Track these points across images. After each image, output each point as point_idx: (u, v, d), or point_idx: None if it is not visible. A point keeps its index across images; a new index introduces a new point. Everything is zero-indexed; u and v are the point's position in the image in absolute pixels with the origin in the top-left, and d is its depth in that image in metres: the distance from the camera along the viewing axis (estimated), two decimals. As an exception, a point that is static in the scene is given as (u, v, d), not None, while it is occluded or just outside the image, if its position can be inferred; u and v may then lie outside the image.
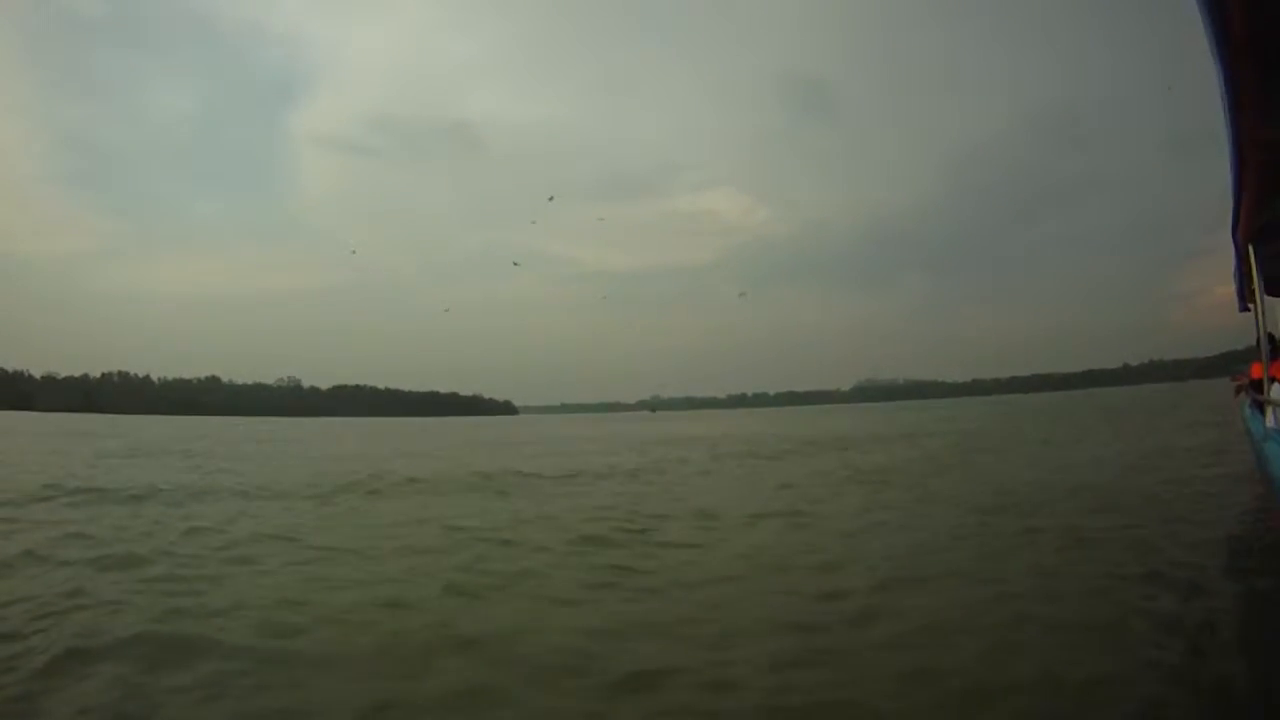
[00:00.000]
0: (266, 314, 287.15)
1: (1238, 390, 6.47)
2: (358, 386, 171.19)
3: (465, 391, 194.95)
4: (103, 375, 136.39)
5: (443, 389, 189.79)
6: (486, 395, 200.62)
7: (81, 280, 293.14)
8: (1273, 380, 4.86)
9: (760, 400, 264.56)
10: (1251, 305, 5.45)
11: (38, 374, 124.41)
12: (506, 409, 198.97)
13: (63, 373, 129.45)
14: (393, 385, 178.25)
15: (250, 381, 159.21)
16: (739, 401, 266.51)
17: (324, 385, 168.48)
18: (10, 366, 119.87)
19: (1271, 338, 5.19)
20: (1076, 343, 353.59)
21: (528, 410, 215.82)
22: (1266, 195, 3.34)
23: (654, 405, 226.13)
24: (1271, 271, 5.17)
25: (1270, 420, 4.38)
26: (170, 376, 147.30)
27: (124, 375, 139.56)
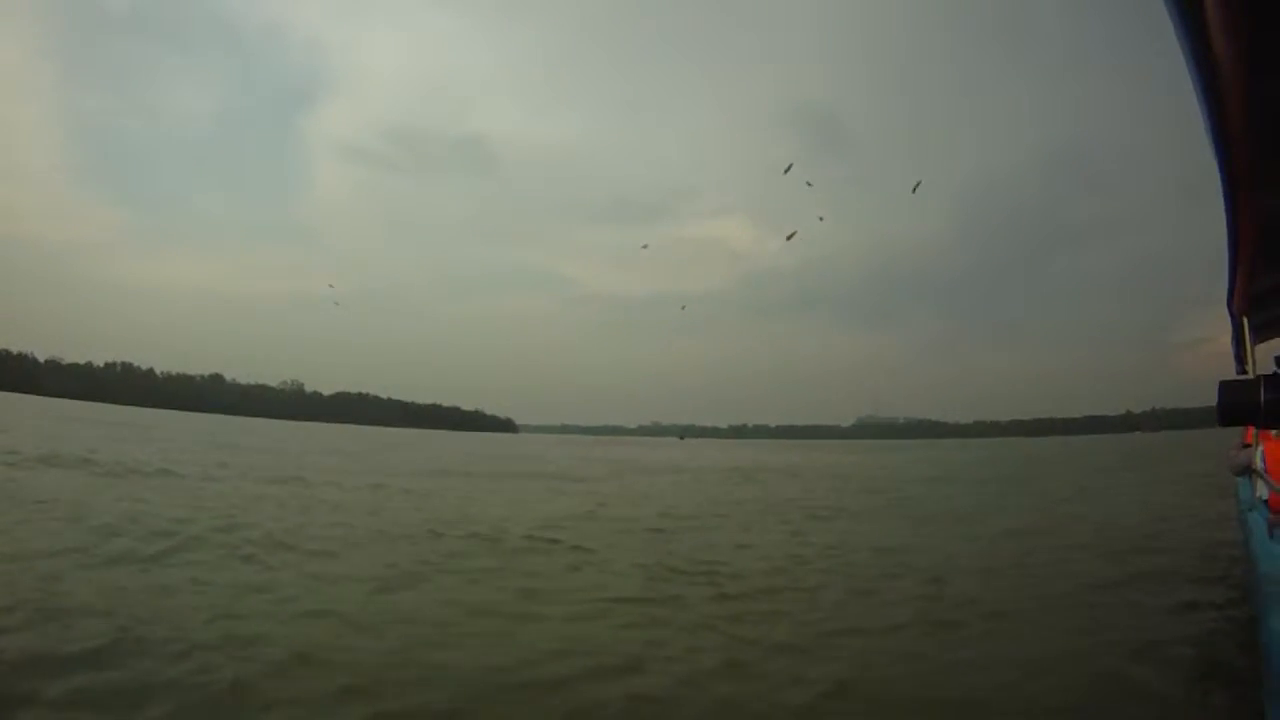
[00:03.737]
0: (272, 316, 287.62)
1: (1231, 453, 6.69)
2: (360, 394, 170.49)
3: (467, 406, 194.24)
4: (106, 365, 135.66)
5: (445, 402, 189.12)
6: (488, 411, 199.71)
7: (89, 269, 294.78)
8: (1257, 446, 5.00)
9: (760, 432, 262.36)
10: (1246, 371, 5.73)
11: (41, 357, 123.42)
12: (507, 426, 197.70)
13: (67, 358, 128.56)
14: (395, 395, 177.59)
15: (253, 382, 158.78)
16: (739, 432, 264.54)
17: (326, 391, 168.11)
18: (14, 349, 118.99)
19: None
20: (1079, 387, 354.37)
21: (527, 429, 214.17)
22: (1259, 270, 3.50)
23: (682, 432, 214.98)
24: (1262, 337, 5.55)
25: (1256, 490, 4.47)
26: (174, 371, 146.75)
27: (127, 366, 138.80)
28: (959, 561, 7.06)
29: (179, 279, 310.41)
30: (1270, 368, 5.21)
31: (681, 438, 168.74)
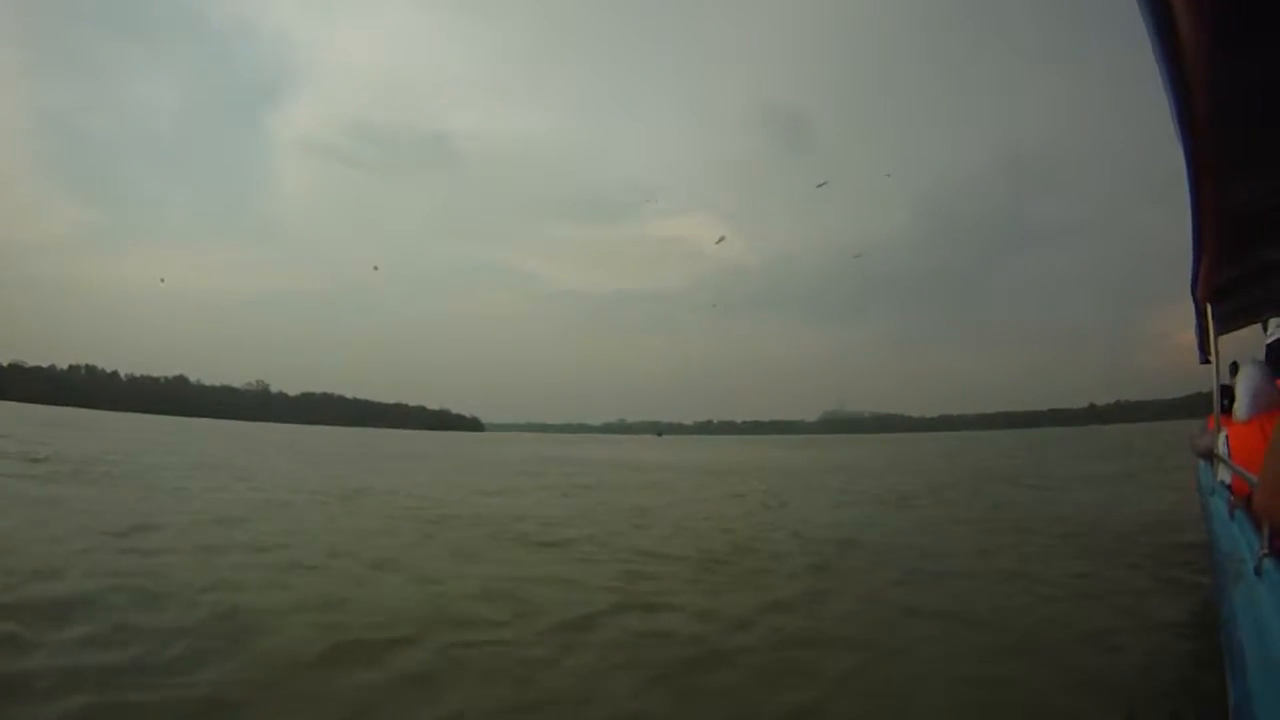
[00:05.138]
0: (237, 315, 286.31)
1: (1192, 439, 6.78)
2: (326, 395, 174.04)
3: (433, 405, 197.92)
4: (70, 367, 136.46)
5: (411, 401, 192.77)
6: (454, 410, 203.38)
7: (54, 267, 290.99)
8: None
9: (726, 429, 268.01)
10: (1210, 359, 5.82)
11: (4, 361, 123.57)
12: (474, 425, 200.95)
13: (30, 361, 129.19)
14: (361, 395, 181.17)
15: (218, 383, 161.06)
16: (704, 429, 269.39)
17: (292, 391, 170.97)
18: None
19: (1226, 391, 5.23)
20: (1044, 381, 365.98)
21: (494, 427, 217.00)
22: (1223, 259, 3.55)
23: (660, 430, 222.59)
24: (1225, 327, 5.84)
25: (1218, 474, 4.56)
26: (139, 373, 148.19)
27: (91, 369, 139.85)
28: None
29: (143, 277, 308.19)
30: (1230, 360, 5.32)
31: (660, 434, 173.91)
